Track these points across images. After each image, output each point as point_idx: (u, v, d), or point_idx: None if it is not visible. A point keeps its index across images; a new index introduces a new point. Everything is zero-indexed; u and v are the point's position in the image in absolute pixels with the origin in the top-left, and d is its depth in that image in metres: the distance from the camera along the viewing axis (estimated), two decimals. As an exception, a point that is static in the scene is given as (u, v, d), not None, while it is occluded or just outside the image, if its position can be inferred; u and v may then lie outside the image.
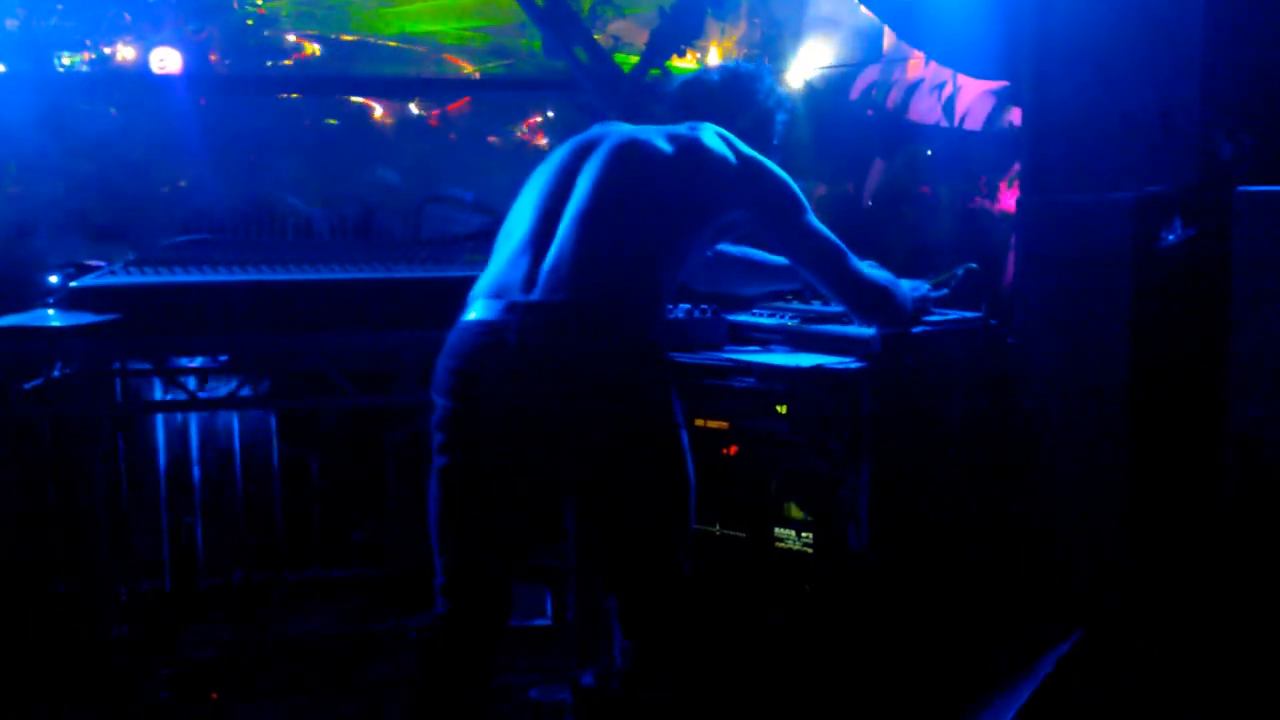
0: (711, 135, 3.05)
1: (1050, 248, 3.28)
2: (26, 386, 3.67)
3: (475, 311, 2.82)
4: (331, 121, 7.10)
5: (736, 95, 3.28)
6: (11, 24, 5.89)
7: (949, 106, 5.46)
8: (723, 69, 3.35)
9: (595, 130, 3.12)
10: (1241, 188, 3.00)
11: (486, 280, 2.88)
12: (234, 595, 4.57)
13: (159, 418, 4.40)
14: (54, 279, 3.81)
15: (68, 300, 3.54)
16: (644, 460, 2.81)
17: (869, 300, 3.14)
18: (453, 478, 2.82)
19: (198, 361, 4.05)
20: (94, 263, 3.84)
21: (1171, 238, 3.10)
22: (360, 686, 4.02)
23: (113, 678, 4.01)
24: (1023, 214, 3.43)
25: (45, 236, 4.93)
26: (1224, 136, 3.17)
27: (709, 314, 3.53)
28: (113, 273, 3.66)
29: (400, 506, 4.54)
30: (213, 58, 6.74)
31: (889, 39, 5.89)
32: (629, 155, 2.98)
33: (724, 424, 3.32)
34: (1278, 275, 2.90)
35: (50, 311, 3.55)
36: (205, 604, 4.54)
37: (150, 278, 3.59)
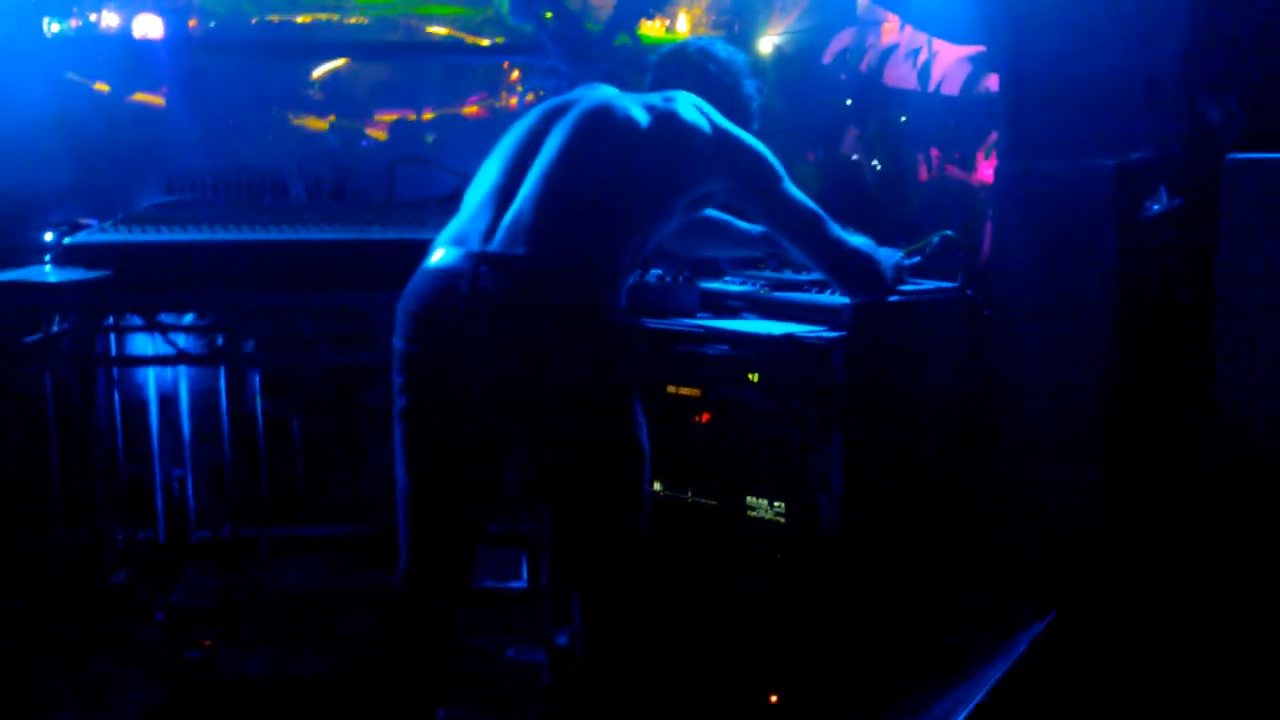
0: (688, 106, 2.92)
1: (1029, 217, 3.06)
2: (26, 340, 3.65)
3: (436, 259, 2.73)
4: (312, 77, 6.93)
5: (714, 72, 3.12)
6: None
7: (924, 72, 5.20)
8: (701, 46, 3.20)
9: (572, 93, 3.00)
10: (1231, 155, 2.75)
11: (450, 229, 2.80)
12: (223, 547, 4.53)
13: (150, 374, 4.36)
14: (48, 236, 3.80)
15: (62, 257, 3.49)
16: (587, 420, 2.69)
17: (848, 266, 2.97)
18: (409, 420, 2.73)
19: (187, 319, 3.99)
20: (86, 220, 3.83)
21: (1156, 208, 2.85)
22: (342, 637, 3.92)
23: (111, 622, 3.94)
24: (1000, 181, 3.17)
25: (38, 196, 4.75)
26: (1211, 101, 2.91)
27: (682, 280, 3.37)
28: (103, 230, 3.64)
29: (379, 465, 4.46)
30: (192, 23, 6.56)
31: (863, 2, 5.60)
32: (601, 120, 2.84)
33: (696, 391, 3.16)
34: (1267, 245, 2.66)
35: (47, 268, 3.50)
36: (196, 555, 4.50)
37: (138, 236, 3.55)
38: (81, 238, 3.52)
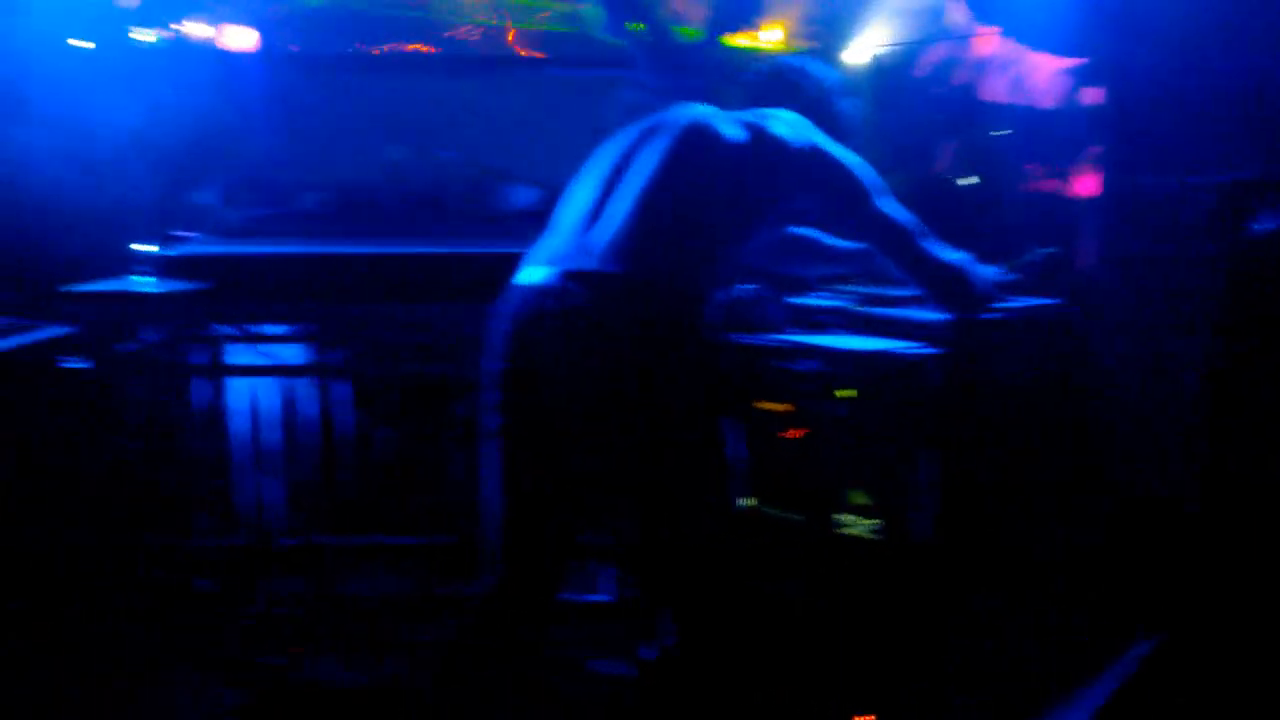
0: (781, 123, 2.91)
1: (1132, 233, 3.00)
2: (119, 348, 3.79)
3: (528, 276, 2.76)
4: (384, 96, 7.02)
5: (807, 89, 3.13)
6: None
7: (1021, 85, 5.15)
8: (794, 63, 3.23)
9: (664, 110, 3.00)
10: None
11: (540, 246, 2.83)
12: (306, 555, 4.56)
13: (240, 381, 4.41)
14: (147, 247, 3.90)
15: (160, 268, 3.63)
16: (676, 435, 2.71)
17: (945, 282, 2.96)
18: (502, 436, 2.77)
19: (275, 329, 4.10)
20: (183, 233, 3.96)
21: (1264, 226, 2.78)
22: (424, 645, 3.94)
23: (196, 628, 4.01)
24: (1105, 197, 3.12)
25: (134, 207, 4.87)
26: (1325, 118, 2.84)
27: (772, 295, 3.37)
28: (201, 243, 3.81)
29: (460, 475, 4.48)
30: (283, 36, 6.65)
31: (959, 15, 5.57)
32: (693, 138, 2.85)
33: (786, 406, 3.17)
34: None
35: (144, 278, 3.63)
36: (279, 562, 4.54)
37: (232, 248, 3.72)
38: (179, 250, 3.66)
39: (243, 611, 4.12)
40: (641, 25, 5.67)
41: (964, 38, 5.39)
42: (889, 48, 5.75)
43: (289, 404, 4.60)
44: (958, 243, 3.10)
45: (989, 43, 5.30)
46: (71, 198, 4.64)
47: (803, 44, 6.62)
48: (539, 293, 2.69)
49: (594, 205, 2.79)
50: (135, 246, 3.75)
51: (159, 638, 3.86)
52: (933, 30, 5.63)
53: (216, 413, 4.35)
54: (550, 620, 2.92)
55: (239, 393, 4.42)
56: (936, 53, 5.68)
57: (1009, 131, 4.99)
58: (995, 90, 5.25)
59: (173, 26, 5.93)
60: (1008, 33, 4.86)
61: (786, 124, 2.90)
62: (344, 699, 3.66)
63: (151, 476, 4.16)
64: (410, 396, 4.74)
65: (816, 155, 2.87)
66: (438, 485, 4.74)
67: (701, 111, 2.94)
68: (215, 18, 6.11)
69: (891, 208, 2.90)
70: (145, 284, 3.60)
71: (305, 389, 4.57)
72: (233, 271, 3.60)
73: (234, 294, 3.61)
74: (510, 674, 2.86)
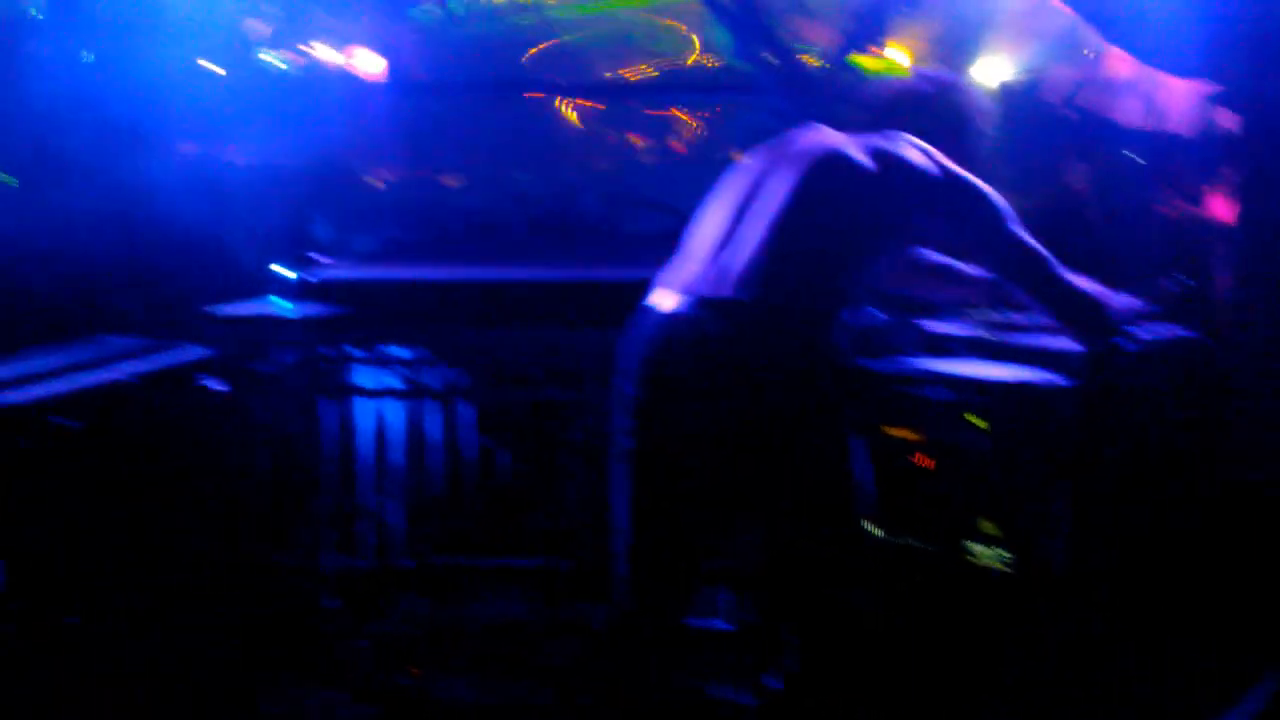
0: (909, 148, 2.92)
1: (1266, 262, 2.94)
2: (255, 370, 3.88)
3: (658, 302, 2.81)
4: (513, 121, 7.10)
5: (935, 109, 3.13)
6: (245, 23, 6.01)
7: (1152, 108, 5.09)
8: (925, 78, 3.23)
9: (792, 135, 3.03)
10: None
11: (671, 273, 2.87)
12: (429, 576, 4.58)
13: (366, 403, 4.46)
14: (283, 270, 4.00)
15: (296, 291, 3.76)
16: (805, 460, 2.74)
17: (1075, 311, 2.94)
18: (631, 461, 2.81)
19: (406, 352, 4.16)
20: (318, 257, 4.06)
21: None
22: (546, 668, 4.01)
23: (321, 645, 4.09)
24: (1242, 226, 3.08)
25: (271, 231, 5.02)
26: None
27: (901, 320, 3.39)
28: (334, 267, 3.90)
29: (586, 500, 4.49)
30: (409, 60, 6.78)
31: (1090, 36, 5.52)
32: (821, 163, 2.87)
33: (915, 434, 3.19)
34: None
35: (281, 300, 3.76)
36: (402, 582, 4.56)
37: (365, 273, 3.81)
38: (314, 273, 3.77)
39: (367, 630, 4.17)
40: (768, 52, 5.70)
41: (1095, 59, 5.35)
42: (1016, 69, 5.74)
43: (414, 426, 4.71)
44: (1088, 269, 3.07)
45: (1120, 65, 5.26)
46: (211, 222, 4.81)
47: (929, 65, 6.60)
48: (671, 319, 2.74)
49: (725, 231, 2.83)
50: (273, 270, 3.89)
51: (287, 654, 3.95)
52: (1061, 51, 5.60)
53: (344, 434, 4.39)
54: (676, 646, 2.95)
55: (366, 414, 4.45)
56: (1065, 74, 5.65)
57: (1135, 155, 4.94)
58: (1126, 113, 5.20)
59: (302, 50, 6.10)
60: (1138, 55, 4.81)
61: (916, 149, 2.90)
62: (468, 718, 3.72)
63: (281, 495, 4.25)
64: (532, 420, 4.84)
65: (946, 181, 2.87)
66: (557, 508, 4.82)
67: (830, 137, 2.96)
68: (344, 42, 6.27)
69: (1022, 234, 2.88)
70: (280, 307, 3.72)
71: (430, 411, 4.68)
72: (364, 295, 3.69)
73: (364, 317, 3.70)
74: (634, 700, 2.88)
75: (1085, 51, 5.48)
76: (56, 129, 5.23)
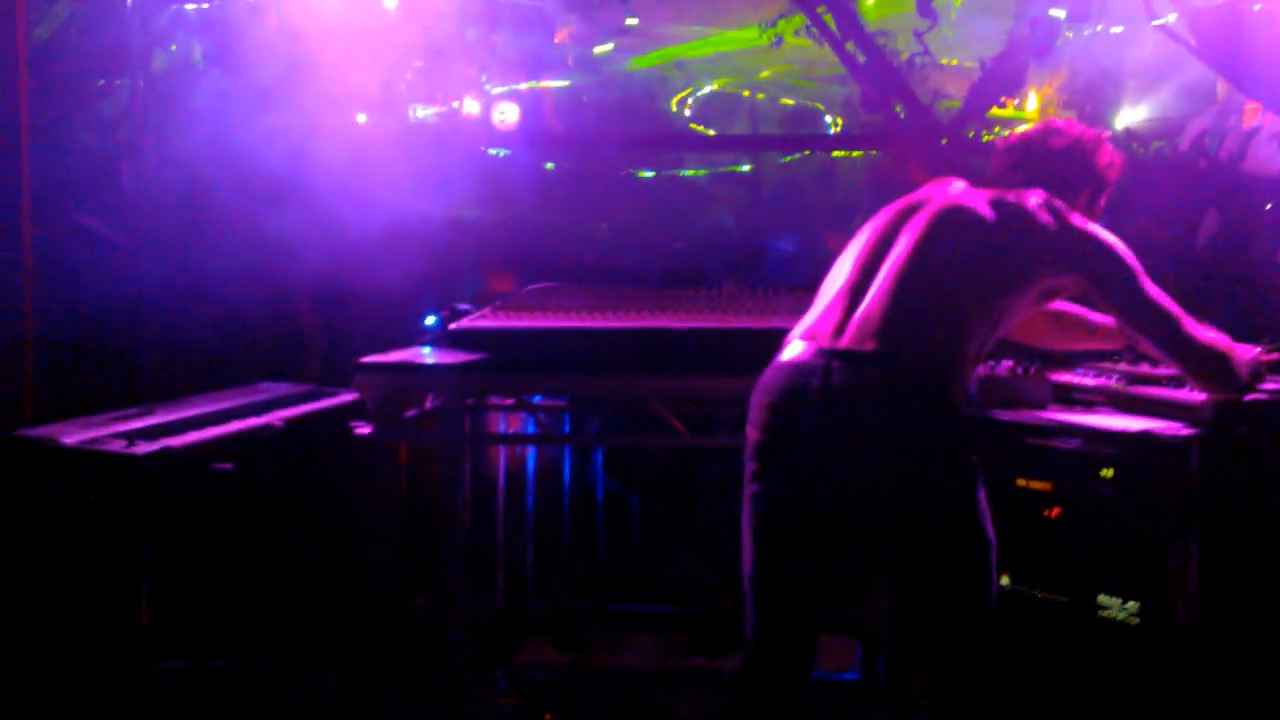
0: (1038, 204, 2.95)
1: None
2: (401, 414, 3.95)
3: (789, 352, 2.87)
4: (646, 174, 7.21)
5: (1068, 158, 3.13)
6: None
7: None
8: (1055, 131, 3.20)
9: (924, 190, 3.09)
10: None
11: (803, 325, 2.93)
12: (559, 619, 4.74)
13: (505, 448, 4.67)
14: (431, 320, 4.21)
15: (443, 340, 3.91)
16: (936, 511, 2.76)
17: (1203, 364, 2.96)
18: (760, 506, 2.86)
19: (546, 400, 4.31)
20: (463, 306, 4.18)
21: None
22: (677, 716, 4.07)
23: (453, 686, 4.21)
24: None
25: (423, 282, 5.22)
26: None
27: (1032, 371, 3.43)
28: (478, 316, 3.99)
29: (716, 547, 4.58)
30: (553, 115, 6.95)
31: (1222, 87, 5.52)
32: (951, 218, 2.94)
33: (1046, 485, 3.22)
34: None
35: (426, 349, 3.94)
36: (533, 625, 4.74)
37: (507, 323, 3.87)
38: (459, 323, 3.90)
39: (499, 674, 4.29)
40: (899, 106, 5.74)
41: (1231, 109, 5.34)
42: (1150, 118, 5.75)
43: (551, 471, 4.83)
44: (1215, 320, 3.09)
45: (1252, 115, 5.25)
46: (364, 273, 5.03)
47: (1061, 112, 6.62)
48: (799, 369, 2.80)
49: (853, 283, 2.90)
50: (421, 320, 4.05)
51: (419, 694, 4.08)
52: (1194, 102, 5.60)
53: (483, 478, 4.57)
54: (803, 696, 2.94)
55: (505, 459, 4.65)
56: (1200, 123, 5.64)
57: (1272, 205, 4.90)
58: (1257, 163, 5.17)
59: (451, 104, 6.33)
60: (1271, 107, 4.79)
61: (1041, 203, 2.94)
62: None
63: (420, 538, 4.34)
64: (664, 466, 4.92)
65: (1072, 234, 2.91)
66: (689, 555, 4.85)
67: (956, 191, 3.02)
68: (487, 96, 6.47)
69: (1149, 289, 2.92)
70: (428, 355, 3.89)
71: (567, 457, 4.78)
72: (505, 344, 3.77)
73: (505, 365, 3.77)
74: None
75: (1217, 102, 5.48)
76: (213, 180, 5.51)
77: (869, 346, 2.77)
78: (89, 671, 3.40)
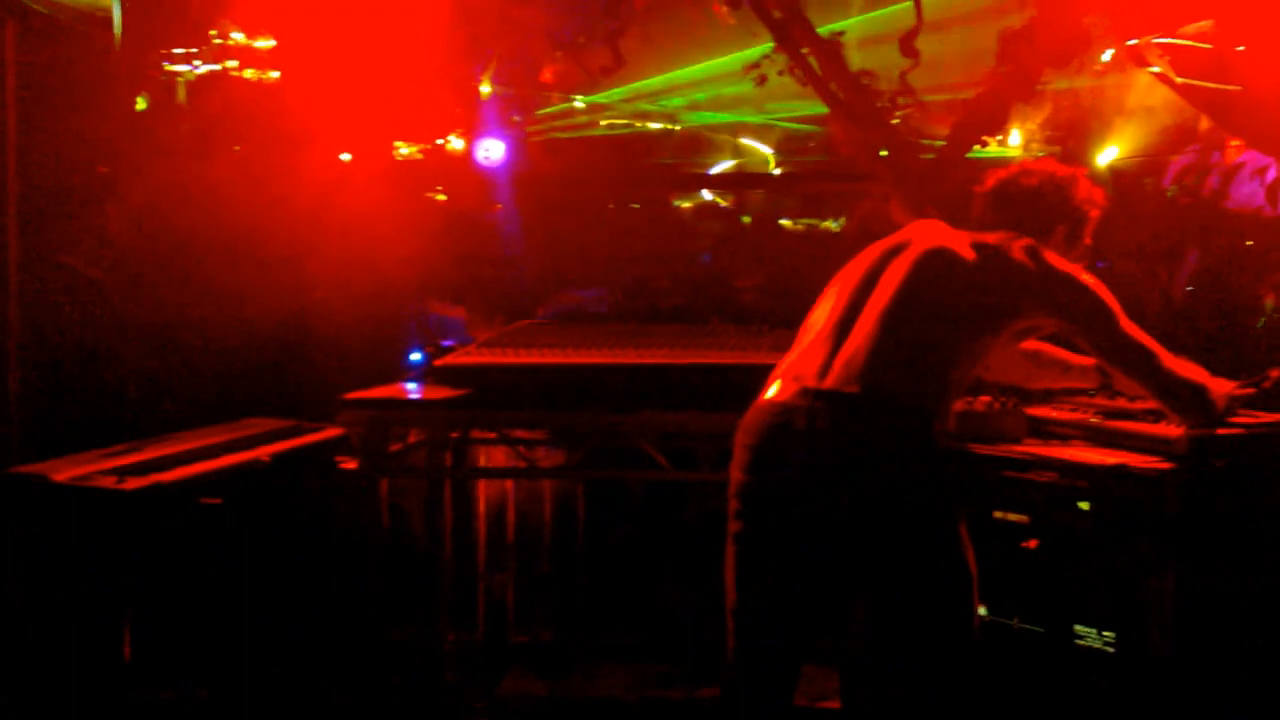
0: (1017, 246, 3.06)
1: None
2: (384, 451, 4.04)
3: (772, 391, 2.95)
4: (634, 206, 7.34)
5: (1041, 197, 3.23)
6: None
7: (1272, 194, 5.16)
8: (1027, 171, 3.29)
9: (906, 231, 3.19)
10: None
11: (786, 363, 3.01)
12: (540, 652, 4.85)
13: (487, 482, 4.74)
14: (416, 356, 4.37)
15: (428, 375, 4.01)
16: (917, 545, 2.87)
17: (1180, 398, 3.06)
18: (743, 544, 2.95)
19: (528, 433, 4.37)
20: (447, 343, 4.33)
21: None
22: None
23: (440, 716, 4.26)
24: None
25: (410, 317, 5.29)
26: None
27: (1009, 406, 3.49)
28: (465, 353, 4.09)
29: (697, 580, 4.57)
30: (534, 151, 7.05)
31: (1205, 123, 5.63)
32: (932, 260, 3.04)
33: (1023, 518, 3.27)
34: None
35: (411, 386, 4.05)
36: (514, 657, 4.82)
37: (492, 359, 3.97)
38: (444, 359, 4.01)
39: (480, 706, 4.38)
40: (884, 150, 5.82)
41: (1211, 147, 5.43)
42: (1132, 155, 5.85)
43: (533, 505, 4.91)
44: (1198, 357, 3.20)
45: (1234, 153, 5.35)
46: (348, 309, 5.10)
47: (1045, 150, 6.73)
48: (783, 409, 2.89)
49: (839, 322, 2.99)
50: (405, 356, 4.14)
51: None
52: (1180, 137, 5.70)
53: (465, 511, 4.63)
54: None
55: (487, 492, 4.73)
56: (1182, 160, 5.74)
57: (1253, 242, 4.99)
58: (1244, 196, 5.27)
59: (435, 142, 6.44)
60: (1255, 145, 4.87)
61: (1021, 248, 3.04)
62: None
63: (405, 571, 4.41)
64: (645, 500, 4.99)
65: (1051, 277, 3.01)
66: (669, 588, 4.95)
67: (938, 232, 3.12)
68: (470, 132, 6.58)
69: (1126, 328, 3.01)
70: (413, 390, 3.98)
71: (549, 491, 4.88)
72: (487, 379, 3.87)
73: (488, 400, 3.87)
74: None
75: (1199, 139, 5.58)
76: (195, 221, 5.57)
77: (853, 389, 2.85)
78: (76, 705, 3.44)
